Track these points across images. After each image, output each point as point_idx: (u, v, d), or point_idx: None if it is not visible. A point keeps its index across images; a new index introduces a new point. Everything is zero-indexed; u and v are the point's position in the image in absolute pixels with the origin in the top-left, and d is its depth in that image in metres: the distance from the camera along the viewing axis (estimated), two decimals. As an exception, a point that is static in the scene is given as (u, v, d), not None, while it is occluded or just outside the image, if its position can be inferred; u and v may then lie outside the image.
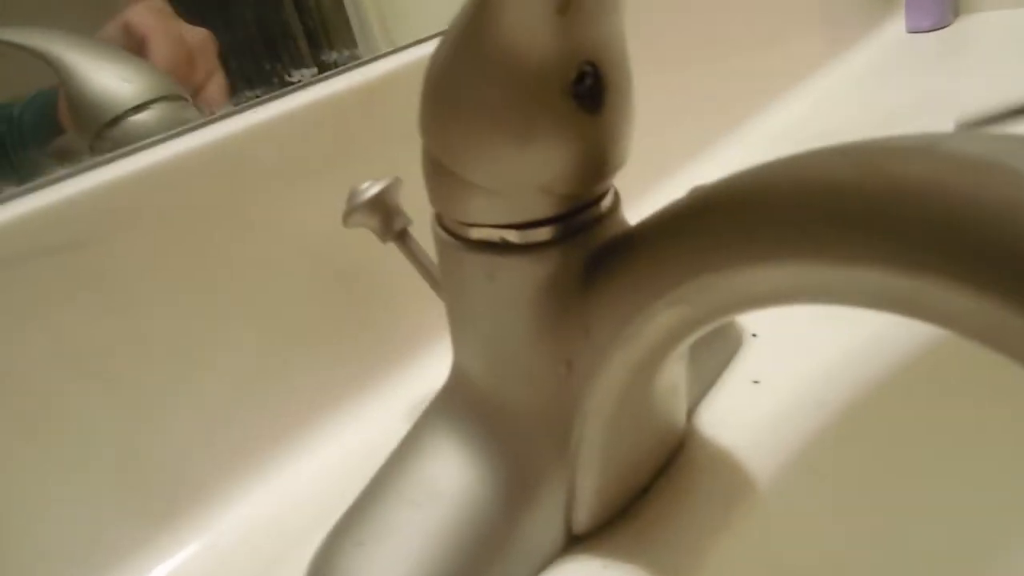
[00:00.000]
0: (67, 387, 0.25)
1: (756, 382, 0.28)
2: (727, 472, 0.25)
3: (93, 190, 0.25)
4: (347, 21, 0.36)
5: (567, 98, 0.17)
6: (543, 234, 0.19)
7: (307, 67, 0.31)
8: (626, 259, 0.18)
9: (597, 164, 0.18)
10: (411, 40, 0.34)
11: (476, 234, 0.20)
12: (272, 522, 0.27)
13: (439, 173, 0.19)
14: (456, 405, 0.23)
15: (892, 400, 0.28)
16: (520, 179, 0.18)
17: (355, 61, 0.32)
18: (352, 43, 0.35)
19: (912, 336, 0.30)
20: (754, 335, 0.31)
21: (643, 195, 0.38)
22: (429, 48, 0.32)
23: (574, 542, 0.23)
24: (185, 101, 0.34)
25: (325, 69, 0.31)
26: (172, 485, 0.27)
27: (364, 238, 0.27)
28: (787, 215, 0.14)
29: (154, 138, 0.28)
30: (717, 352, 0.29)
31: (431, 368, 0.32)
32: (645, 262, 0.17)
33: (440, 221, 0.21)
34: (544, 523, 0.22)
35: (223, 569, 0.26)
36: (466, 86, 0.17)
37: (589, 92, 0.17)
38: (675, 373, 0.22)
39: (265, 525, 0.27)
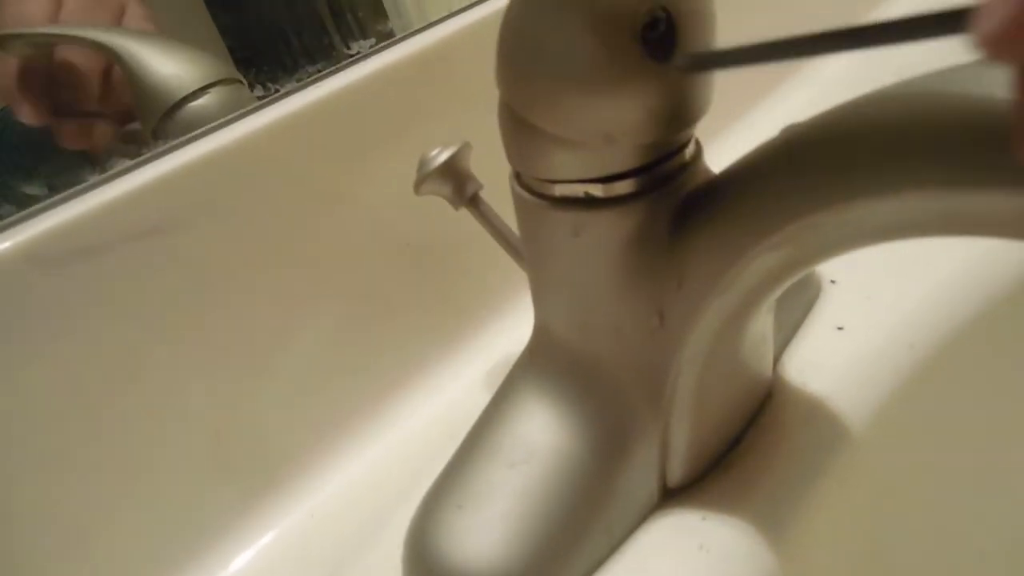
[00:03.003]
0: (161, 367, 0.25)
1: (840, 328, 0.28)
2: (820, 419, 0.24)
3: (169, 176, 0.25)
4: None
5: (637, 44, 0.17)
6: (627, 186, 0.19)
7: (365, 38, 0.31)
8: (720, 204, 0.18)
9: (672, 114, 0.17)
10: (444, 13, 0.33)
11: (559, 191, 0.19)
12: (367, 489, 0.27)
13: (519, 128, 0.19)
14: (543, 364, 0.23)
15: (984, 340, 0.28)
16: (594, 128, 0.17)
17: (412, 28, 0.31)
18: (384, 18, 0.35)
19: (995, 275, 0.29)
20: (832, 281, 0.30)
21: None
22: (488, 8, 0.31)
23: (669, 496, 0.23)
24: (240, 84, 0.34)
25: (383, 39, 0.31)
26: (267, 457, 0.28)
27: (435, 206, 0.27)
28: (910, 142, 0.13)
29: (221, 120, 0.28)
30: (797, 300, 0.28)
31: (508, 333, 0.32)
32: (743, 205, 0.17)
33: (519, 180, 0.21)
34: (640, 478, 0.22)
35: (324, 536, 0.26)
36: (538, 32, 0.17)
37: (660, 39, 0.17)
38: (766, 321, 0.22)
39: (360, 492, 0.27)
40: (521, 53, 0.18)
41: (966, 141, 0.12)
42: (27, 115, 0.31)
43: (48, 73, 0.32)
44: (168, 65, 0.32)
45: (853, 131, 0.15)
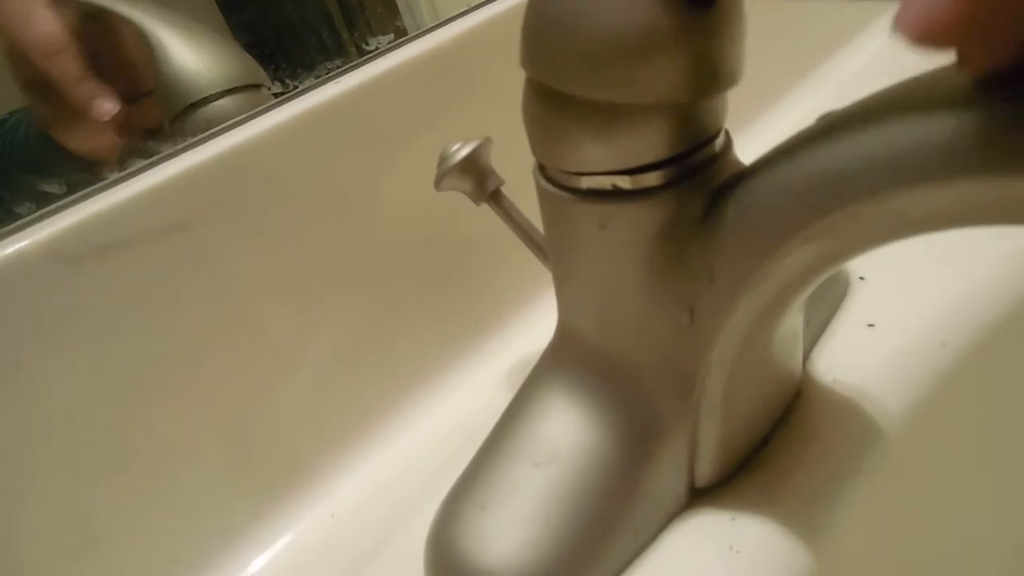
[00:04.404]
0: (178, 365, 0.25)
1: (871, 325, 0.27)
2: (851, 419, 0.24)
3: (187, 173, 0.25)
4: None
5: None
6: (655, 178, 0.18)
7: (384, 34, 0.30)
8: (753, 195, 0.17)
9: (710, 70, 0.17)
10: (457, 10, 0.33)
11: (586, 183, 0.19)
12: (387, 490, 0.27)
13: (545, 117, 0.18)
14: (568, 362, 0.22)
15: (1019, 338, 0.27)
16: (633, 86, 0.16)
17: (425, 25, 0.31)
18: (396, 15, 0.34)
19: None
20: (861, 278, 0.29)
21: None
22: (508, 3, 0.31)
23: (697, 496, 0.22)
24: (267, 90, 0.34)
25: (401, 35, 0.31)
26: (286, 458, 0.27)
27: (456, 202, 0.26)
28: (955, 126, 0.13)
29: (240, 117, 0.28)
30: (826, 296, 0.28)
31: (530, 332, 0.32)
32: (778, 195, 0.16)
33: (544, 173, 0.20)
34: (667, 478, 0.21)
35: (344, 537, 0.26)
36: None
37: None
38: (797, 318, 0.21)
39: (380, 493, 0.27)
40: (553, 20, 0.17)
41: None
42: (106, 108, 0.29)
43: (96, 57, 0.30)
44: (198, 60, 0.32)
45: (898, 115, 0.14)
